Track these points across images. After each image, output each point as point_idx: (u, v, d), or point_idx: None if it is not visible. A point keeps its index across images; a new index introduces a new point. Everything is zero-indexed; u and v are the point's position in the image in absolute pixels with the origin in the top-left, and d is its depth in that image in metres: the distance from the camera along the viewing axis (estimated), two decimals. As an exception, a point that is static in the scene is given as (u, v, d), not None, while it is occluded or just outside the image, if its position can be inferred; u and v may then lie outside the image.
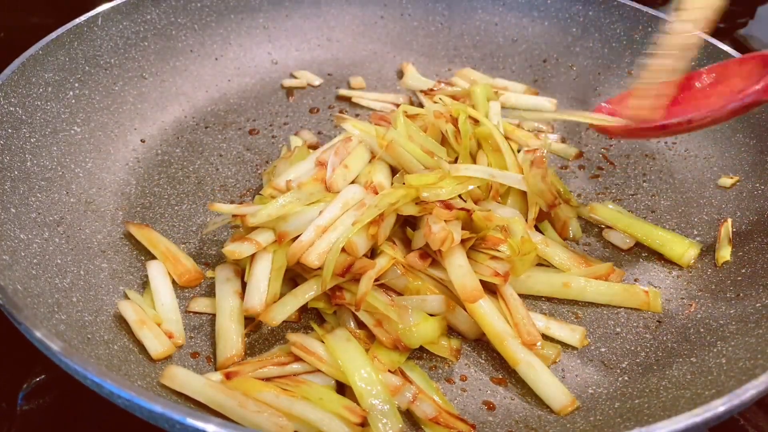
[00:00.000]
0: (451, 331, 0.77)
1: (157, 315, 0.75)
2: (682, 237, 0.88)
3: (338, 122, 0.89)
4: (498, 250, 0.77)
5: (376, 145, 0.83)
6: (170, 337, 0.73)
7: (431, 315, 0.73)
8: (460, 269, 0.73)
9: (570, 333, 0.76)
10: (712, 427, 0.57)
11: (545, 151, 0.88)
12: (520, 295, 0.78)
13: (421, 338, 0.71)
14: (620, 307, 0.81)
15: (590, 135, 1.09)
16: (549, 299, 0.82)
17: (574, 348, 0.76)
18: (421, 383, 0.70)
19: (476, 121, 0.91)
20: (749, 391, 0.57)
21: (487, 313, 0.73)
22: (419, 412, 0.67)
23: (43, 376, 0.73)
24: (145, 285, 0.80)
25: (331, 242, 0.73)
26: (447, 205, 0.76)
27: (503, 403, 0.71)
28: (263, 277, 0.74)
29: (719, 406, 0.55)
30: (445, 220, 0.74)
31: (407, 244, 0.79)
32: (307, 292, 0.74)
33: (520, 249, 0.77)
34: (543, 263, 0.84)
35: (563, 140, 1.08)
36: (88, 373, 0.55)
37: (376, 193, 0.78)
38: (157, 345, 0.71)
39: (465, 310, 0.74)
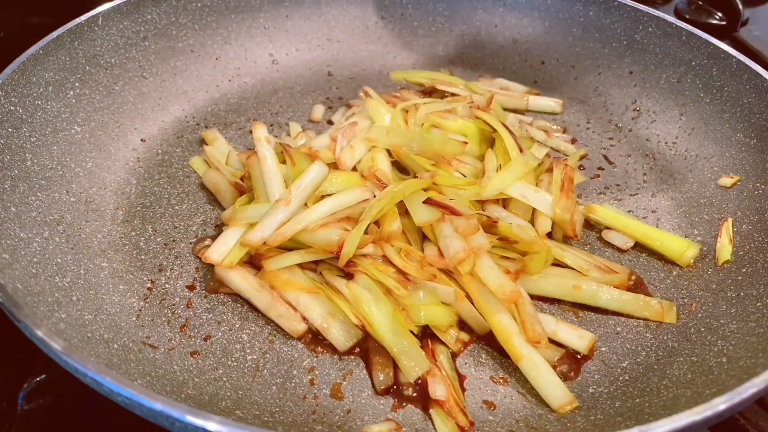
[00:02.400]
0: (462, 326, 0.77)
1: None
2: (682, 237, 0.88)
3: (363, 97, 0.98)
4: (511, 249, 0.78)
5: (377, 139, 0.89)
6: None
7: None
8: (492, 271, 0.75)
9: (578, 339, 0.75)
10: (713, 425, 0.57)
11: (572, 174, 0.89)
12: (531, 296, 0.78)
13: (427, 318, 0.73)
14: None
15: (590, 135, 1.10)
16: (550, 298, 0.81)
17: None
18: (445, 365, 0.72)
19: (493, 129, 0.92)
20: (750, 389, 0.57)
21: (495, 308, 0.73)
22: (431, 390, 0.68)
23: (43, 376, 0.73)
24: (146, 288, 0.80)
25: (284, 233, 0.77)
26: (453, 211, 0.77)
27: (504, 403, 0.71)
28: (233, 237, 0.80)
29: (720, 405, 0.55)
30: (467, 234, 0.76)
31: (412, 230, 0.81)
32: (307, 255, 0.78)
33: (531, 248, 0.77)
34: (557, 264, 0.83)
35: (573, 141, 1.08)
36: (87, 371, 0.55)
37: (379, 180, 0.83)
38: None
39: (473, 304, 0.75)
